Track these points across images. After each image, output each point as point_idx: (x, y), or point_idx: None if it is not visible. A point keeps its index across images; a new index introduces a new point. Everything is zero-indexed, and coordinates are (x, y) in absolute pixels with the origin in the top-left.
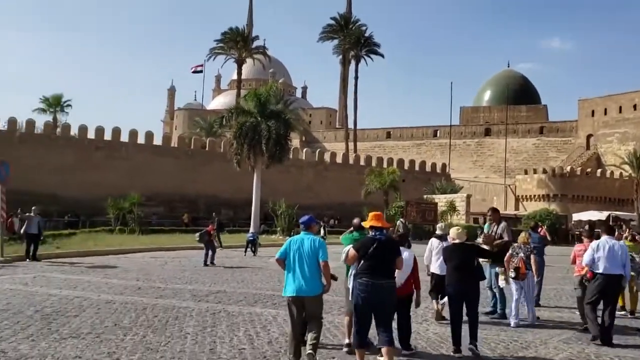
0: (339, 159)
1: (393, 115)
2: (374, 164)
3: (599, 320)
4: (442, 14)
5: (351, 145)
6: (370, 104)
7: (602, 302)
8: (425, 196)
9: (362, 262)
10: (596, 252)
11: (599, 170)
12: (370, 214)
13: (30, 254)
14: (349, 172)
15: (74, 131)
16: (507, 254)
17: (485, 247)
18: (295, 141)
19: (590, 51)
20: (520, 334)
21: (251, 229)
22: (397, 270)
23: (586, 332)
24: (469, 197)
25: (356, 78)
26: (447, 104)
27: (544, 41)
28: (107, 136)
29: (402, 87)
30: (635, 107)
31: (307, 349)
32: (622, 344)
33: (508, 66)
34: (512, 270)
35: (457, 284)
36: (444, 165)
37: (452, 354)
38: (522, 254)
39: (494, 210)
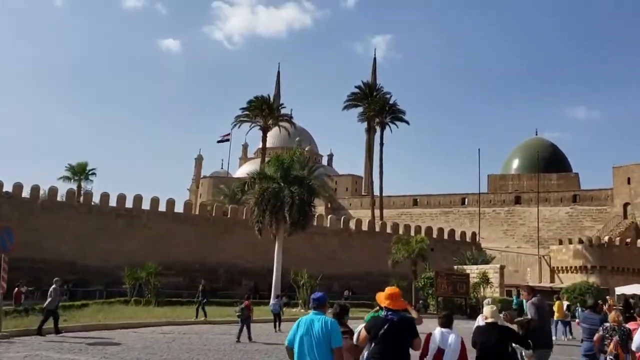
0: (364, 227)
1: (420, 182)
2: (401, 231)
3: None
4: (466, 82)
5: (377, 212)
6: (396, 171)
7: None
8: (455, 267)
9: (372, 344)
10: None
11: (639, 241)
12: (385, 291)
13: (53, 326)
14: (375, 240)
15: (96, 199)
16: (597, 335)
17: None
18: (320, 208)
19: (617, 119)
20: None
21: (272, 300)
22: (445, 356)
23: None
24: (502, 267)
25: (381, 145)
26: (475, 171)
27: (570, 110)
28: (129, 204)
29: (428, 154)
30: None
31: None
32: None
33: (536, 134)
34: (612, 357)
35: None
36: (473, 234)
37: None
38: (617, 337)
39: (530, 289)
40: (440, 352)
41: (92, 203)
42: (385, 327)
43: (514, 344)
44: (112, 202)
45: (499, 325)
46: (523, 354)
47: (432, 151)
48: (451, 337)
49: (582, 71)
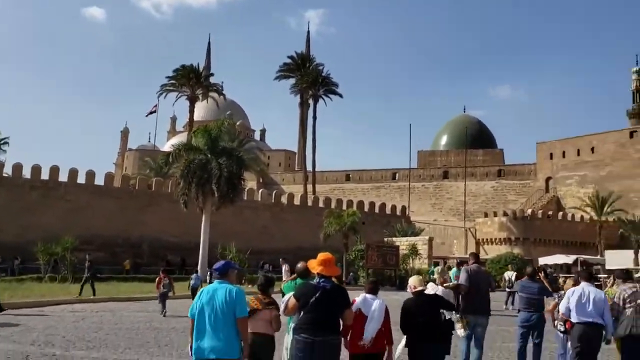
0: (296, 201)
1: (352, 157)
2: (333, 205)
3: None
4: (398, 58)
5: (310, 187)
6: (329, 146)
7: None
8: (385, 239)
9: (302, 313)
10: (572, 300)
11: (560, 213)
12: (318, 257)
13: None
14: (308, 215)
15: (8, 170)
16: (553, 303)
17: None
18: (251, 183)
19: (540, 98)
20: None
21: (198, 275)
22: (368, 323)
23: None
24: (431, 239)
25: (314, 118)
26: (406, 147)
27: (495, 89)
28: (45, 175)
29: (361, 130)
30: (593, 150)
31: None
32: None
33: (464, 111)
34: (561, 322)
35: (420, 345)
36: (403, 208)
37: None
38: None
39: (474, 256)
40: (362, 317)
41: (4, 174)
42: (317, 294)
43: (442, 310)
44: (27, 174)
45: (427, 294)
46: (453, 317)
47: (364, 127)
48: (375, 304)
49: (507, 52)
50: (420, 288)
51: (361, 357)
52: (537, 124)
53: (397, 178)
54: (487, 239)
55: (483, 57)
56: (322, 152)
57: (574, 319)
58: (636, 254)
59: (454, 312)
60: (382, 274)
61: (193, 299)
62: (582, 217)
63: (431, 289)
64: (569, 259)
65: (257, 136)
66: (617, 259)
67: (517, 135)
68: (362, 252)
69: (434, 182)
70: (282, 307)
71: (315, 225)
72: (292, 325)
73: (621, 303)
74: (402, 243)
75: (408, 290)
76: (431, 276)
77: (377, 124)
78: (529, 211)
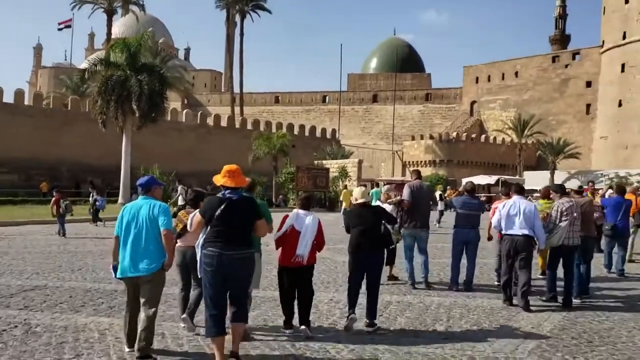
0: (223, 123)
1: (282, 80)
2: (262, 128)
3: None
4: None
5: (237, 109)
6: (258, 68)
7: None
8: (316, 162)
9: (209, 228)
10: (503, 212)
11: (483, 136)
12: (223, 169)
13: None
14: (235, 137)
15: None
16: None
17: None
18: (176, 104)
19: (465, 23)
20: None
21: (120, 199)
22: (302, 238)
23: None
24: (360, 162)
25: (241, 35)
26: (336, 69)
27: (422, 13)
28: None
29: (291, 50)
30: (517, 74)
31: (136, 353)
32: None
33: (394, 34)
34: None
35: (360, 252)
36: (333, 131)
37: (342, 328)
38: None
39: (417, 173)
40: (295, 233)
41: None
42: (222, 206)
43: (383, 221)
44: None
45: (370, 205)
46: (391, 230)
47: (295, 48)
48: (308, 219)
49: None
50: (361, 200)
51: (290, 269)
52: (464, 48)
53: (327, 101)
54: (413, 162)
55: None
56: (250, 74)
57: (504, 230)
58: (552, 174)
59: (389, 223)
60: (312, 195)
61: (95, 221)
62: (503, 139)
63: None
64: (491, 179)
65: (181, 56)
66: (535, 179)
67: (444, 59)
68: (292, 175)
69: (364, 105)
70: (188, 224)
71: (244, 148)
72: (200, 240)
73: (558, 215)
74: (332, 166)
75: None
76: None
77: (308, 46)
78: (454, 134)
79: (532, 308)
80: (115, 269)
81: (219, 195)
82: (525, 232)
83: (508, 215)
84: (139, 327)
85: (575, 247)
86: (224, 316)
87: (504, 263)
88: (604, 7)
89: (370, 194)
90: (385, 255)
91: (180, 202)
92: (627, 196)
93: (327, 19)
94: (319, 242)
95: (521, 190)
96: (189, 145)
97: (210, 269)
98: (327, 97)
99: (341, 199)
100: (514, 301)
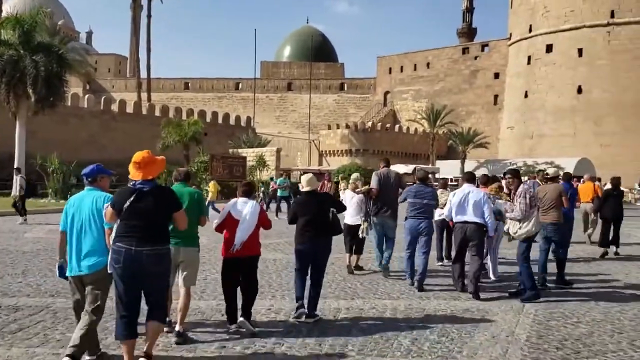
0: (129, 109)
1: (192, 66)
2: (171, 115)
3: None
4: None
5: (144, 95)
6: (166, 52)
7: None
8: (230, 150)
9: (119, 221)
10: (454, 201)
11: (396, 126)
12: (132, 159)
13: None
14: (142, 124)
15: None
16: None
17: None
18: (77, 89)
19: (377, 14)
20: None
21: (14, 191)
22: (239, 227)
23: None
24: (279, 150)
25: (149, 17)
26: (249, 57)
27: (334, 4)
28: None
29: (202, 35)
30: (428, 65)
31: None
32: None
33: (307, 23)
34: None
35: (307, 241)
36: (248, 119)
37: (291, 319)
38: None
39: (385, 161)
40: (233, 221)
41: None
42: (132, 198)
43: (332, 209)
44: None
45: (318, 193)
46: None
47: (206, 33)
48: (247, 207)
49: None
50: (307, 188)
51: (233, 261)
52: (377, 39)
53: (240, 88)
54: (329, 151)
55: None
56: (159, 60)
57: (455, 219)
58: (462, 163)
59: (337, 210)
60: (228, 185)
61: (23, 215)
62: (416, 129)
63: (349, 195)
64: (407, 168)
65: (82, 39)
66: (447, 168)
67: (357, 50)
68: (206, 164)
69: (279, 93)
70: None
71: (152, 136)
72: (113, 235)
73: (527, 203)
74: (249, 154)
75: (301, 188)
76: (280, 185)
77: (220, 31)
78: (369, 124)
79: (498, 309)
80: (61, 268)
81: (130, 184)
82: (476, 219)
83: (459, 203)
84: (78, 330)
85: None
86: (136, 318)
87: (454, 251)
88: (512, 1)
89: (277, 182)
90: (331, 244)
91: (17, 192)
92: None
93: (240, 4)
94: (264, 226)
95: (472, 179)
96: (92, 132)
97: (118, 267)
98: (240, 84)
99: (210, 189)
100: (467, 288)
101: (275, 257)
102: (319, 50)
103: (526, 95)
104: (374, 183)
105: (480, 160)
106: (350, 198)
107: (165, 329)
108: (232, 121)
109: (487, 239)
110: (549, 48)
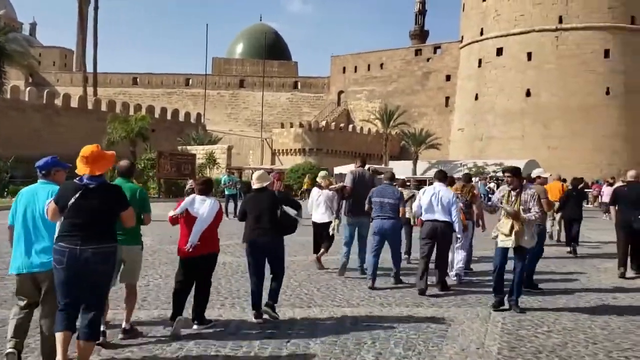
0: (74, 103)
1: (142, 61)
2: (118, 110)
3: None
4: None
5: (90, 90)
6: (116, 48)
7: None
8: (179, 147)
9: (63, 219)
10: (424, 199)
11: (350, 126)
12: (80, 154)
13: None
14: (88, 119)
15: None
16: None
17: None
18: (19, 83)
19: (331, 14)
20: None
21: None
22: (196, 224)
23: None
24: (230, 148)
25: (96, 9)
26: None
27: (287, 2)
28: None
29: (152, 30)
30: (382, 65)
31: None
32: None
33: (260, 20)
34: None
35: (258, 238)
36: (198, 115)
37: (253, 320)
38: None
39: (362, 160)
40: (190, 219)
41: None
42: (77, 195)
43: (284, 206)
44: None
45: (268, 190)
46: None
47: (155, 28)
48: (204, 205)
49: None
50: (258, 185)
51: (189, 261)
52: (330, 39)
53: (190, 84)
54: (282, 150)
55: None
56: (107, 55)
57: (424, 217)
58: (415, 164)
59: (293, 208)
60: (176, 183)
61: None
62: (369, 129)
63: (316, 193)
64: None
65: (26, 31)
66: (400, 168)
67: (311, 49)
68: (153, 161)
69: (230, 90)
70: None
71: (97, 131)
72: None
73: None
74: (199, 152)
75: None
76: (225, 183)
77: (171, 27)
78: (323, 123)
79: (464, 316)
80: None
81: (76, 180)
82: (445, 218)
83: (428, 202)
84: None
85: None
86: (76, 314)
87: (421, 249)
88: (464, 4)
89: (223, 180)
90: (282, 242)
91: None
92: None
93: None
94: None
95: (443, 177)
96: (34, 127)
97: (61, 268)
98: (190, 80)
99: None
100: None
101: (225, 260)
102: (272, 48)
103: (477, 98)
104: (348, 181)
105: (432, 161)
106: (317, 196)
107: (120, 336)
108: (181, 117)
109: (455, 238)
110: (499, 51)
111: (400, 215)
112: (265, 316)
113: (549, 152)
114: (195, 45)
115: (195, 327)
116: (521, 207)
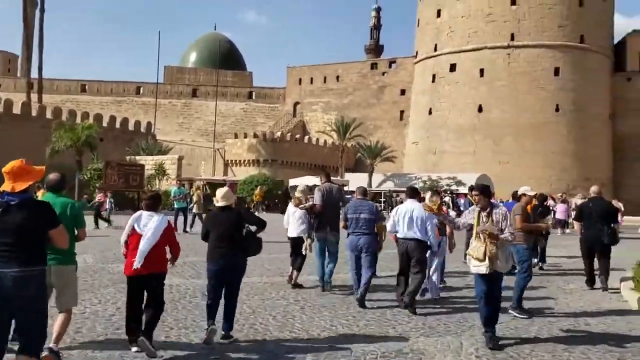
0: (16, 110)
1: (91, 67)
2: (64, 117)
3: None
4: None
5: (35, 97)
6: (64, 54)
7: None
8: (128, 157)
9: None
10: (397, 216)
11: (306, 137)
12: (4, 169)
13: None
14: (32, 127)
15: None
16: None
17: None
18: None
19: (286, 25)
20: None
21: None
22: (141, 241)
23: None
24: (180, 159)
25: (42, 11)
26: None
27: (242, 13)
28: None
29: (101, 37)
30: (338, 78)
31: None
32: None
33: (215, 29)
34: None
35: (219, 259)
36: (149, 124)
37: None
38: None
39: (326, 175)
40: (137, 236)
41: None
42: None
43: (249, 225)
44: None
45: (231, 208)
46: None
47: (106, 34)
48: (152, 220)
49: None
50: (223, 202)
51: (137, 279)
52: (286, 50)
53: (141, 93)
54: (236, 161)
55: None
56: (54, 61)
57: (399, 234)
58: (370, 176)
59: (257, 227)
60: (124, 195)
61: None
62: (325, 141)
63: (292, 208)
64: (318, 180)
65: None
66: (356, 180)
67: (266, 60)
68: (100, 171)
69: (183, 99)
70: None
71: (41, 140)
72: None
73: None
74: (148, 162)
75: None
76: (174, 196)
77: (122, 33)
78: (278, 134)
79: (434, 348)
80: None
81: None
82: (417, 236)
83: (401, 219)
84: None
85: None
86: (4, 346)
87: (401, 266)
88: (419, 20)
89: (173, 193)
90: (245, 263)
91: None
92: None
93: (145, 7)
94: (172, 249)
95: (414, 194)
96: None
97: None
98: (141, 89)
99: (194, 199)
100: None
101: (172, 282)
102: (226, 58)
103: (430, 112)
104: (317, 199)
105: (387, 173)
106: (293, 212)
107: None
108: (131, 126)
109: (431, 255)
110: (453, 67)
111: (375, 231)
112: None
113: (500, 167)
114: (147, 53)
115: (140, 338)
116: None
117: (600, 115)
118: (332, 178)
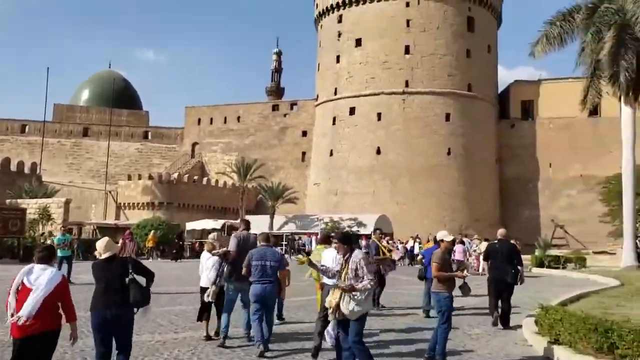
0: None
1: None
2: None
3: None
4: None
5: None
6: None
7: None
8: (8, 201)
9: None
10: (326, 261)
11: (205, 179)
12: None
13: None
14: None
15: None
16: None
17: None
18: None
19: (185, 64)
20: None
21: None
22: (30, 296)
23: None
24: (68, 202)
25: None
26: (39, 98)
27: (140, 51)
28: None
29: None
30: (239, 118)
31: None
32: None
33: (109, 67)
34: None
35: (105, 310)
36: (34, 165)
37: None
38: None
39: (246, 223)
40: (26, 290)
41: None
42: None
43: (135, 275)
44: None
45: (117, 258)
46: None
47: None
48: (44, 274)
49: (150, 13)
50: (107, 254)
51: (24, 341)
52: (185, 90)
53: (27, 131)
54: (129, 203)
55: (127, 17)
56: None
57: (324, 280)
58: (272, 218)
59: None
60: (1, 242)
61: None
62: (225, 182)
63: (206, 256)
64: (217, 223)
65: None
66: (257, 222)
67: (164, 99)
68: None
69: (73, 139)
70: None
71: None
72: None
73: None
74: (31, 206)
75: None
76: (58, 244)
77: (6, 67)
78: (175, 175)
79: None
80: None
81: None
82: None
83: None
84: None
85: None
86: None
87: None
88: (319, 64)
89: (57, 241)
90: (132, 315)
91: None
92: (429, 244)
93: (33, 40)
94: (66, 308)
95: (327, 241)
96: None
97: None
98: (27, 127)
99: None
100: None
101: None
102: (121, 96)
103: (331, 154)
104: (232, 246)
105: (289, 215)
106: (206, 259)
107: None
108: (13, 167)
109: None
110: (352, 111)
111: (280, 278)
112: None
113: (397, 207)
114: (35, 90)
115: None
116: (349, 276)
117: (487, 159)
118: (232, 221)
